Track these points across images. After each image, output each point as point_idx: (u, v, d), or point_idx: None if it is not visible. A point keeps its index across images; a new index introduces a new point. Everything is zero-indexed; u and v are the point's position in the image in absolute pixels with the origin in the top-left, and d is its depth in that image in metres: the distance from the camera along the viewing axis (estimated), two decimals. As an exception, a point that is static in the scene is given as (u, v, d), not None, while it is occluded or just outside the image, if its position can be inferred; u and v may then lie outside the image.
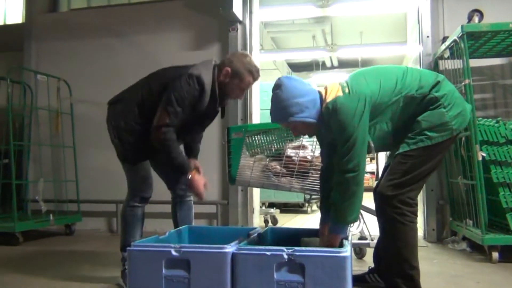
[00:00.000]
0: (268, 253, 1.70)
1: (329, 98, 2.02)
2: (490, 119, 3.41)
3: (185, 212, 2.76)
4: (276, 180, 2.64)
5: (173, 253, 1.78)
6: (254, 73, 2.44)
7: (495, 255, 3.04)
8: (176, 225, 2.72)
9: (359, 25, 8.22)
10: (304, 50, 9.08)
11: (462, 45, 3.25)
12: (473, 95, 3.23)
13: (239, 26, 4.55)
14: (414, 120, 2.05)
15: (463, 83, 3.25)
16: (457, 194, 3.71)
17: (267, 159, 2.64)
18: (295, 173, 2.61)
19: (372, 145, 2.07)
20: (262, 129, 2.65)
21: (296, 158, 2.61)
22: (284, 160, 2.60)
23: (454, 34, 3.40)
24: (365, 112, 1.96)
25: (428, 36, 4.13)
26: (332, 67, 10.46)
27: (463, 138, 3.38)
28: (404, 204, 2.02)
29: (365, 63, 9.75)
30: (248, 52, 4.52)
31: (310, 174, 2.64)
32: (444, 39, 3.92)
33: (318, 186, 2.57)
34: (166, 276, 1.78)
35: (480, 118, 3.43)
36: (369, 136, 2.01)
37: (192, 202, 2.80)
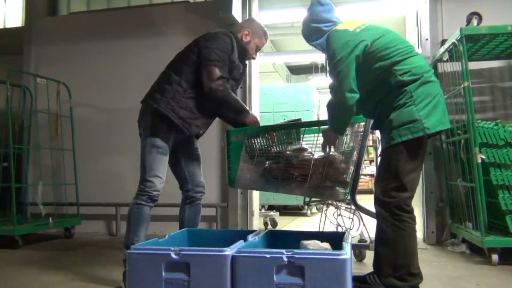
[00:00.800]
0: (267, 255, 1.70)
1: (338, 28, 2.21)
2: (489, 122, 3.41)
3: (194, 215, 2.78)
4: (275, 183, 2.64)
5: (173, 256, 1.78)
6: (266, 35, 2.85)
7: (495, 257, 3.04)
8: (182, 226, 2.74)
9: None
10: (303, 53, 9.08)
11: (461, 47, 3.25)
12: (472, 97, 3.23)
13: (238, 29, 4.56)
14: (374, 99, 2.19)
15: (462, 86, 3.26)
16: (456, 196, 3.71)
17: (267, 162, 2.64)
18: (294, 177, 2.61)
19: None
20: (261, 132, 2.65)
21: (295, 162, 2.60)
22: (283, 164, 2.60)
23: (453, 37, 3.41)
24: (353, 51, 2.08)
25: (427, 39, 4.14)
26: (326, 71, 10.45)
27: (462, 141, 3.39)
28: (402, 210, 2.05)
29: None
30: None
31: (309, 177, 2.63)
32: (443, 41, 3.93)
33: (317, 189, 2.58)
34: (166, 279, 1.78)
35: (479, 121, 3.43)
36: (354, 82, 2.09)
37: (201, 206, 2.84)
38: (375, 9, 5.63)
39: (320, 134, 2.44)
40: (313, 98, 6.37)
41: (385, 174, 2.12)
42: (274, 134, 2.63)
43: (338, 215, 3.08)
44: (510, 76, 4.07)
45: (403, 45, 2.18)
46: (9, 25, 6.34)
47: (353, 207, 2.93)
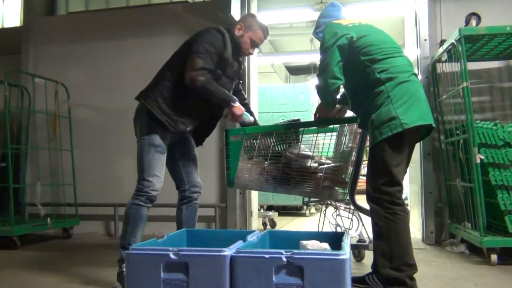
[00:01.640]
0: (266, 256, 1.69)
1: (334, 22, 2.41)
2: (488, 122, 3.41)
3: (191, 214, 2.77)
4: (274, 183, 2.63)
5: (172, 256, 1.77)
6: (264, 29, 2.73)
7: (494, 257, 3.04)
8: (180, 226, 2.72)
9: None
10: (302, 53, 9.10)
11: (460, 48, 3.25)
12: (471, 98, 3.23)
13: (237, 29, 4.56)
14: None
15: (461, 86, 3.26)
16: (455, 196, 3.71)
17: (265, 162, 2.63)
18: (292, 178, 2.61)
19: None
20: (260, 132, 2.64)
21: (294, 166, 2.60)
22: (282, 166, 2.60)
23: (451, 37, 3.41)
24: (337, 41, 2.24)
25: (425, 40, 4.14)
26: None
27: (461, 141, 3.39)
28: (394, 204, 2.15)
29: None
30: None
31: (308, 179, 2.63)
32: (442, 42, 3.93)
33: (316, 190, 2.58)
34: (165, 280, 1.77)
35: (478, 121, 3.43)
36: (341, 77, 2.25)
37: (198, 206, 2.82)
38: (374, 10, 5.65)
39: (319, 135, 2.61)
40: (311, 99, 6.37)
41: (374, 171, 2.23)
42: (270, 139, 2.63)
43: (337, 215, 3.08)
44: (509, 77, 4.07)
45: (389, 45, 2.31)
46: (7, 25, 6.31)
47: (352, 207, 2.93)
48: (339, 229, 3.04)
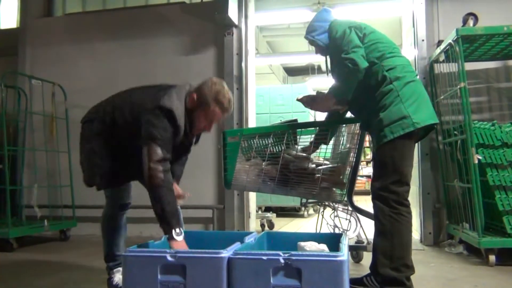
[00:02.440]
0: (264, 257, 1.69)
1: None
2: (485, 122, 3.41)
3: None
4: (272, 185, 2.63)
5: (169, 258, 1.76)
6: (221, 104, 2.22)
7: (492, 258, 3.04)
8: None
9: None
10: (299, 54, 9.10)
11: (457, 48, 3.25)
12: (469, 98, 3.23)
13: (234, 30, 4.56)
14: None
15: (458, 87, 3.26)
16: (453, 197, 3.71)
17: (263, 163, 2.62)
18: (290, 179, 2.60)
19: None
20: (258, 133, 2.63)
21: (291, 167, 2.60)
22: (279, 168, 2.59)
23: (449, 38, 3.41)
24: (354, 31, 2.24)
25: (423, 40, 4.15)
26: (328, 71, 10.49)
27: (459, 141, 3.39)
28: (401, 204, 2.15)
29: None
30: (244, 55, 4.54)
31: (305, 180, 2.62)
32: (439, 42, 3.93)
33: (314, 191, 2.57)
34: (162, 282, 1.76)
35: (476, 121, 3.43)
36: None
37: None
38: (372, 10, 5.65)
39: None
40: (309, 99, 6.37)
41: (382, 170, 2.20)
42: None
43: (335, 217, 3.07)
44: (506, 77, 4.08)
45: (392, 44, 2.33)
46: (4, 26, 6.30)
47: (350, 208, 2.93)
48: (337, 230, 3.03)
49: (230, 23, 4.47)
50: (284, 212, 6.72)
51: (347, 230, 2.99)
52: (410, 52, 4.39)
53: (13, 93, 4.62)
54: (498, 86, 4.07)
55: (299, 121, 2.85)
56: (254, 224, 4.63)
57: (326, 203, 3.03)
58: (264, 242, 2.31)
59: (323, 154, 2.75)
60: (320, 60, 9.74)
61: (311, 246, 2.17)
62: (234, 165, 2.58)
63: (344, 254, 1.68)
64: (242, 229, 4.35)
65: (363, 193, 10.36)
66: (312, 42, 2.48)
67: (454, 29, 3.28)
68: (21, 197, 4.64)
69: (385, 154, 2.19)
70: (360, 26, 2.31)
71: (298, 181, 2.59)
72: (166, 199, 2.02)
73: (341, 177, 2.68)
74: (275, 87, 7.00)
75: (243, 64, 4.53)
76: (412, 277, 2.18)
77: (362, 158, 2.67)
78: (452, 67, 3.49)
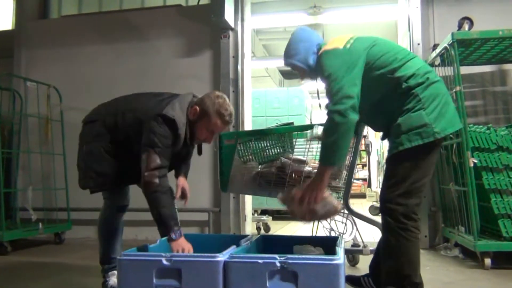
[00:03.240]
0: (260, 261, 1.68)
1: (327, 47, 2.07)
2: (481, 126, 3.43)
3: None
4: (268, 187, 2.62)
5: (164, 262, 1.75)
6: (223, 116, 2.28)
7: (488, 261, 3.05)
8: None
9: (350, 32, 8.25)
10: (296, 58, 9.09)
11: (453, 52, 3.27)
12: (464, 102, 3.25)
13: (231, 33, 4.56)
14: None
15: (454, 90, 3.27)
16: (449, 200, 3.72)
17: (259, 166, 2.62)
18: (286, 182, 2.60)
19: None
20: (254, 135, 2.63)
21: (287, 170, 2.59)
22: (276, 171, 2.58)
23: (444, 42, 3.43)
24: (356, 66, 1.96)
25: (418, 44, 4.16)
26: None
27: (454, 145, 3.40)
28: (409, 219, 1.97)
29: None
30: (240, 58, 4.54)
31: (302, 183, 2.62)
32: (435, 46, 3.95)
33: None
34: (157, 286, 1.75)
35: (471, 125, 3.44)
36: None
37: None
38: (367, 14, 5.67)
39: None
40: (305, 103, 6.38)
41: (392, 180, 2.01)
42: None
43: (331, 220, 3.06)
44: (501, 81, 4.10)
45: (398, 49, 2.11)
46: (-1, 28, 6.28)
47: (346, 211, 2.92)
48: (333, 234, 3.03)
49: (226, 26, 4.47)
50: (280, 215, 6.70)
51: (343, 234, 2.98)
52: (406, 55, 4.40)
53: (8, 95, 4.60)
54: (493, 90, 4.09)
55: (295, 124, 2.85)
56: (250, 227, 4.63)
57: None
58: (260, 245, 2.30)
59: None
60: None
61: (307, 250, 2.17)
62: (230, 168, 2.58)
63: (340, 257, 1.68)
64: (238, 232, 4.34)
65: (359, 196, 10.37)
66: (295, 67, 2.24)
67: (450, 33, 3.30)
68: (16, 200, 4.61)
69: (398, 163, 1.99)
70: (359, 57, 2.02)
71: (294, 184, 2.58)
72: (162, 203, 2.10)
73: (337, 180, 2.68)
74: (271, 90, 7.01)
75: (239, 67, 4.53)
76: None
77: (358, 161, 2.65)
78: (448, 71, 3.51)
